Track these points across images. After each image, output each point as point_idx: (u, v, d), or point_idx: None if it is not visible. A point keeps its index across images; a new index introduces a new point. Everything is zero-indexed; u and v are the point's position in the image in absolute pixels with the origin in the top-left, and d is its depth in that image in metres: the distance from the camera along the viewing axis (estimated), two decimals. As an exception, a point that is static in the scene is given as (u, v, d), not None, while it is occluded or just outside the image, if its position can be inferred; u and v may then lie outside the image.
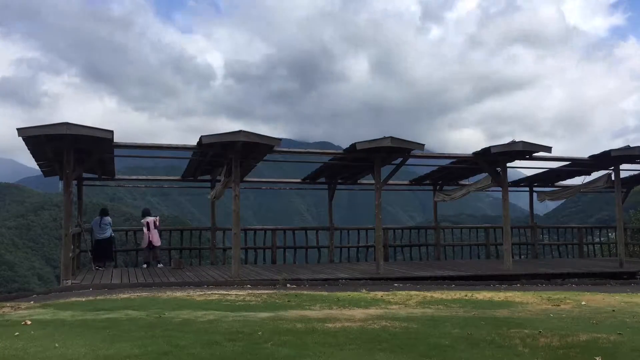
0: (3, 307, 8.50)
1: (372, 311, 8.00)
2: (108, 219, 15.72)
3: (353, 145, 13.27)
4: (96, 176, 16.38)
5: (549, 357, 5.23)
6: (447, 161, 16.04)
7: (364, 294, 10.24)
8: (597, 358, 5.12)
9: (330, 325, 6.70)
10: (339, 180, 18.07)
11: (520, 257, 19.26)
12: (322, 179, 17.84)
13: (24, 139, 11.16)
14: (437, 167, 17.33)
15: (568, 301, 9.31)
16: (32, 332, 6.21)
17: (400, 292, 10.40)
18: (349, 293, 10.21)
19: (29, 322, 6.83)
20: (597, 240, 21.54)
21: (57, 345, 5.51)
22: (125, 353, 5.18)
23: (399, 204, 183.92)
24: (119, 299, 9.22)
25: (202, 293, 9.99)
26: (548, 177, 19.04)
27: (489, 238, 19.69)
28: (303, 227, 18.86)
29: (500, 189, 15.20)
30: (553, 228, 22.02)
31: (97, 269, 14.63)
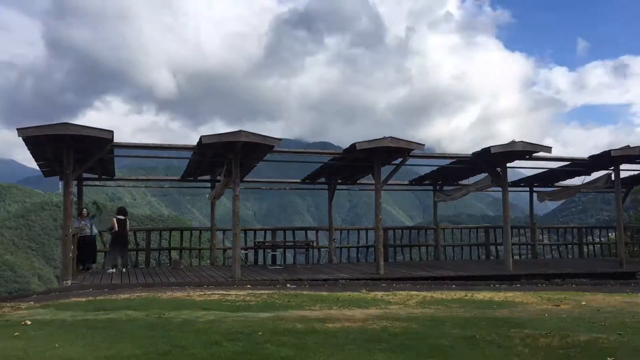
0: (3, 307, 8.51)
1: (372, 311, 8.00)
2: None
3: (353, 146, 13.27)
4: (96, 176, 16.39)
5: (549, 357, 5.23)
6: (447, 161, 16.04)
7: (364, 294, 10.24)
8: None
9: (330, 325, 6.70)
10: (339, 181, 18.06)
11: (520, 257, 19.24)
12: (322, 179, 17.84)
13: (23, 139, 11.13)
14: (437, 167, 17.33)
15: (568, 301, 9.32)
16: (32, 333, 6.21)
17: (400, 292, 10.40)
18: (349, 293, 10.21)
19: (29, 322, 6.84)
20: (597, 240, 21.53)
21: (57, 345, 5.51)
22: (125, 353, 5.18)
23: (399, 204, 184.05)
24: (119, 299, 9.22)
25: (202, 293, 9.99)
26: (548, 177, 19.03)
27: (489, 238, 19.69)
28: (303, 227, 18.84)
29: (500, 189, 15.20)
30: (553, 228, 21.97)
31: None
